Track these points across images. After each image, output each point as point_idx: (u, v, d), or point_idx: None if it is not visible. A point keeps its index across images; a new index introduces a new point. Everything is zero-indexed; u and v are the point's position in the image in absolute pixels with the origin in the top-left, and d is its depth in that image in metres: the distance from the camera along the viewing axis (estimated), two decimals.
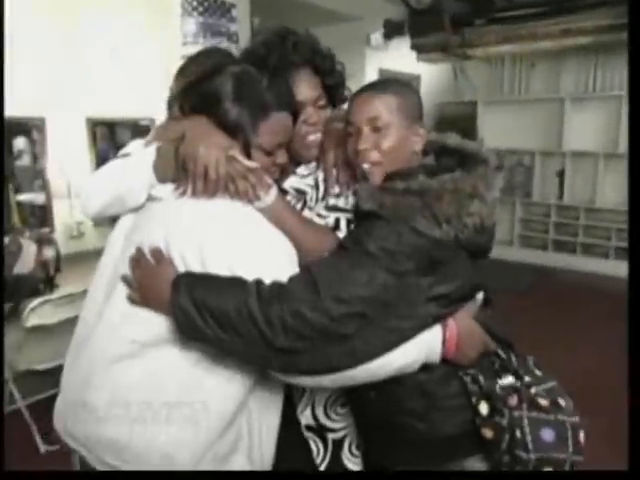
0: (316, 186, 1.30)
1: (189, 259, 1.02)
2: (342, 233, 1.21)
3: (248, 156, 1.11)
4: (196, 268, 1.01)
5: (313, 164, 1.32)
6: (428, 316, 1.08)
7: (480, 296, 1.21)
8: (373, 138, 1.16)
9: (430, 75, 6.42)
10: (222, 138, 1.09)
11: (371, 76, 5.43)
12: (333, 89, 1.33)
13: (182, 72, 1.34)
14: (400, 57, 5.77)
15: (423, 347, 1.09)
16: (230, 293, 0.98)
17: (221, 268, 1.00)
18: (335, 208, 1.25)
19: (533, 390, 1.12)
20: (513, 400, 1.10)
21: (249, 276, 1.00)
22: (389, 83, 1.24)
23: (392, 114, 1.16)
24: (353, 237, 1.10)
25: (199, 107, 1.13)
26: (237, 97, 1.10)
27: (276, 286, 1.00)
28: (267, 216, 1.08)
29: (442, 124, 6.46)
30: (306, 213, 1.26)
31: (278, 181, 1.22)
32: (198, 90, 1.13)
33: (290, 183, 1.30)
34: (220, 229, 1.02)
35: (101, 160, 3.53)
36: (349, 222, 1.23)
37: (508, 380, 1.14)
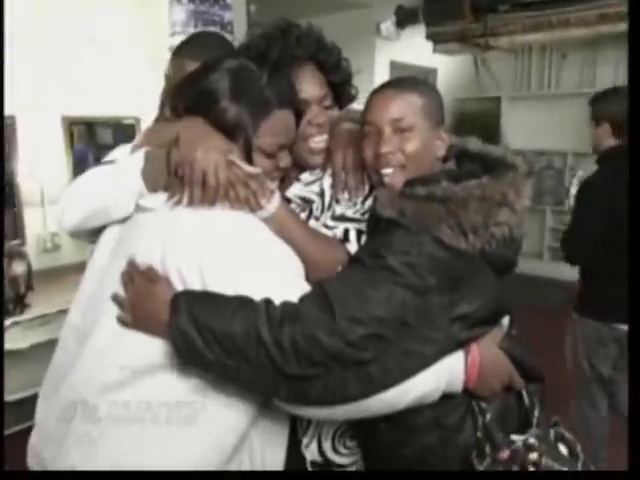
0: (322, 193, 1.32)
1: (188, 276, 1.03)
2: (352, 245, 1.23)
3: (248, 159, 1.12)
4: (196, 286, 1.02)
5: (318, 170, 1.33)
6: (450, 339, 1.09)
7: (506, 321, 1.22)
8: (396, 140, 1.19)
9: (448, 68, 6.47)
10: (221, 141, 1.11)
11: (381, 70, 5.48)
12: (339, 87, 1.35)
13: (175, 66, 1.35)
14: (414, 48, 5.81)
15: (444, 374, 1.09)
16: (236, 314, 0.99)
17: (224, 285, 1.01)
18: (343, 218, 1.26)
19: (534, 456, 1.10)
20: (504, 454, 1.10)
21: (255, 294, 1.01)
22: (413, 81, 1.26)
23: (417, 115, 1.19)
24: (370, 249, 1.11)
25: (193, 107, 1.14)
26: (235, 95, 1.12)
27: (287, 307, 1.01)
28: (270, 226, 1.10)
29: (462, 122, 6.49)
30: (312, 224, 1.27)
31: (280, 189, 1.23)
32: (192, 88, 1.15)
33: (294, 191, 1.32)
34: (221, 242, 1.04)
35: (78, 163, 3.55)
36: (359, 233, 1.24)
37: (521, 438, 1.13)
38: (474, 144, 1.28)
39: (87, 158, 3.64)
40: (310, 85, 1.28)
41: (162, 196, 1.10)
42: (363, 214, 1.26)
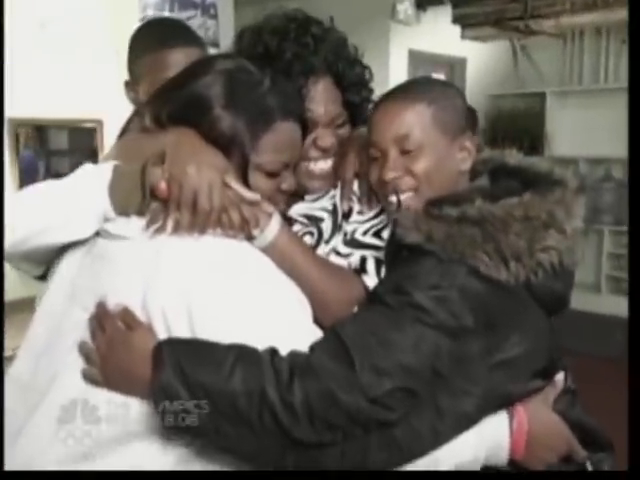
0: (334, 210, 1.34)
1: (174, 321, 1.03)
2: (370, 278, 1.24)
3: (244, 180, 1.15)
4: (184, 333, 1.03)
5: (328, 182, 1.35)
6: (491, 393, 1.10)
7: (561, 376, 1.23)
8: (403, 162, 1.22)
9: (480, 58, 6.52)
10: (216, 157, 1.13)
11: (397, 61, 5.56)
12: (357, 107, 1.38)
13: (153, 61, 1.42)
14: (437, 34, 5.89)
15: (485, 441, 1.10)
16: (234, 368, 0.99)
17: (218, 331, 1.02)
18: (359, 243, 1.29)
19: None
20: None
21: (257, 342, 1.02)
22: (422, 85, 1.29)
23: (426, 130, 1.22)
24: (392, 283, 1.13)
25: (181, 115, 1.16)
26: (230, 102, 1.15)
27: (296, 358, 1.02)
28: (270, 256, 1.12)
29: (497, 125, 6.53)
30: (322, 250, 1.30)
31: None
32: (179, 93, 1.18)
33: (298, 210, 1.34)
34: (215, 279, 1.05)
35: (25, 172, 3.58)
36: (379, 263, 1.26)
37: None
38: (513, 157, 1.32)
39: (36, 167, 3.64)
40: (321, 104, 1.31)
41: (137, 222, 1.10)
42: (380, 236, 1.29)
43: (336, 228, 1.33)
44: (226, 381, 0.99)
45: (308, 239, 1.32)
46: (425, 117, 1.22)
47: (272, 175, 1.18)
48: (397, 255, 1.19)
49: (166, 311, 1.03)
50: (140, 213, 1.10)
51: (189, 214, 1.07)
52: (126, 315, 1.06)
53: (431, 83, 1.33)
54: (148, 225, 1.09)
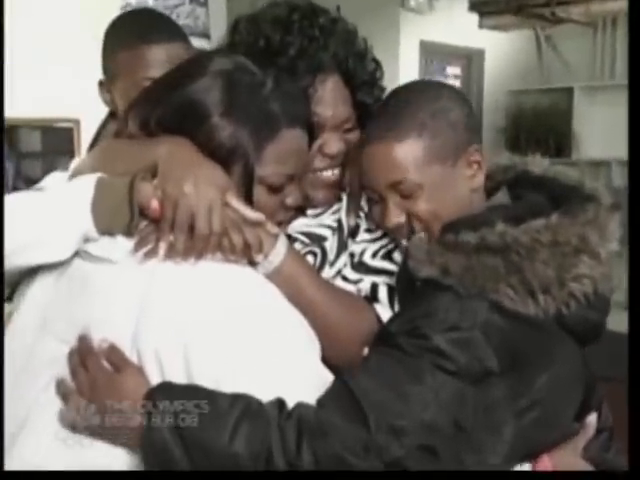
0: (339, 227, 1.34)
1: (168, 362, 1.02)
2: (383, 307, 1.25)
3: (247, 195, 1.14)
4: (179, 377, 1.02)
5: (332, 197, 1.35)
6: (518, 443, 1.10)
7: (593, 419, 1.23)
8: (405, 205, 1.23)
9: (500, 49, 6.51)
10: (217, 172, 1.11)
11: (408, 53, 5.56)
12: (367, 108, 1.36)
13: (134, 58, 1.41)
14: (453, 23, 5.92)
15: None
16: (239, 426, 0.98)
17: (219, 378, 1.01)
18: (369, 269, 1.29)
19: None
20: None
21: (262, 391, 1.01)
22: (405, 110, 1.25)
23: (422, 167, 1.21)
24: (407, 323, 1.12)
25: (173, 123, 1.15)
26: (230, 108, 1.14)
27: (304, 416, 1.01)
28: (275, 283, 1.11)
29: (519, 124, 6.52)
30: (326, 273, 1.29)
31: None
32: (171, 98, 1.16)
33: (297, 227, 1.33)
34: (214, 314, 1.03)
35: None
36: (391, 290, 1.26)
37: None
38: (537, 165, 1.30)
39: (6, 171, 3.63)
40: (329, 106, 1.30)
41: (124, 243, 1.09)
42: (392, 258, 1.29)
43: (342, 248, 1.32)
44: (229, 442, 0.97)
45: (310, 260, 1.31)
46: (417, 152, 1.21)
47: (276, 189, 1.18)
48: (411, 287, 1.19)
49: (159, 351, 1.02)
50: (127, 233, 1.09)
51: (185, 237, 1.05)
52: (113, 354, 1.04)
53: (417, 98, 1.27)
54: (137, 248, 1.07)
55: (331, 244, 1.32)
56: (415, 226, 1.22)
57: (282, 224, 1.22)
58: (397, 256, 1.30)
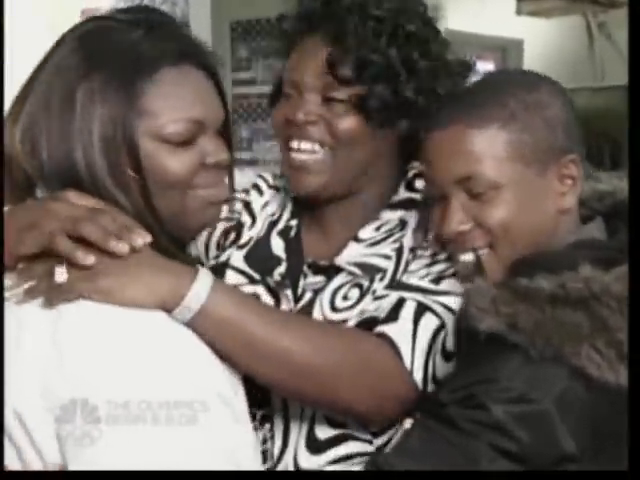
0: (399, 254, 1.31)
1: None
2: (404, 324, 1.20)
3: (135, 165, 1.08)
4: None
5: (394, 220, 1.36)
6: None
7: None
8: (472, 209, 1.18)
9: (542, 40, 6.24)
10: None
11: None
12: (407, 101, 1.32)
13: None
14: (484, 9, 5.66)
15: None
16: None
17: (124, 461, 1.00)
18: (402, 285, 1.25)
19: None
20: None
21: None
22: (488, 94, 1.22)
23: (503, 163, 1.16)
24: (462, 388, 1.07)
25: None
26: (90, 69, 1.09)
27: None
28: (200, 331, 1.05)
29: None
30: (364, 305, 1.26)
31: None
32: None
33: (349, 257, 1.33)
34: (111, 374, 1.01)
35: None
36: (422, 309, 1.21)
37: None
38: (612, 184, 1.28)
39: None
40: (301, 67, 1.36)
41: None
42: (437, 282, 1.25)
43: (398, 273, 1.29)
44: None
45: (354, 293, 1.30)
46: (498, 145, 1.15)
47: (183, 144, 1.12)
48: (467, 339, 1.13)
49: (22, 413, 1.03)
50: (10, 267, 1.09)
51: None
52: None
53: (509, 86, 1.22)
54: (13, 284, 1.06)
55: (389, 272, 1.29)
56: (479, 240, 1.16)
57: (219, 204, 1.17)
58: (444, 283, 1.25)
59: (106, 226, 1.02)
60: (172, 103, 1.12)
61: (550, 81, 1.33)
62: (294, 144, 1.36)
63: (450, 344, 1.24)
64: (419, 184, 1.40)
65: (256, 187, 1.52)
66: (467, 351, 1.16)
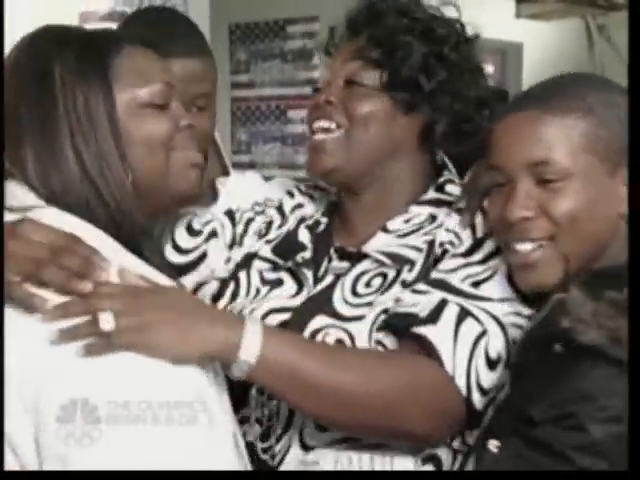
0: (430, 248, 1.30)
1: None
2: (444, 328, 1.18)
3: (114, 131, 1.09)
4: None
5: (418, 211, 1.36)
6: None
7: None
8: (539, 196, 1.14)
9: (542, 43, 6.21)
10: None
11: None
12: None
13: None
14: (484, 11, 5.18)
15: None
16: None
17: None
18: (446, 285, 1.23)
19: None
20: None
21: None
22: (568, 87, 1.21)
23: (576, 153, 1.14)
24: (553, 408, 1.02)
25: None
26: (63, 60, 1.09)
27: None
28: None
29: None
30: (392, 293, 1.27)
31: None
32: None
33: (377, 246, 1.33)
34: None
35: None
36: (464, 314, 1.19)
37: None
38: None
39: None
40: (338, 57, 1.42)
41: None
42: (479, 287, 1.23)
43: (429, 267, 1.29)
44: None
45: (377, 281, 1.31)
46: (575, 134, 1.12)
47: (161, 107, 1.14)
48: (546, 349, 1.07)
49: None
50: None
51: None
52: None
53: (586, 83, 1.22)
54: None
55: (418, 265, 1.30)
56: (540, 229, 1.12)
57: (199, 166, 1.17)
58: (486, 287, 1.23)
59: (68, 267, 1.01)
60: (145, 70, 1.14)
61: (622, 87, 1.30)
62: (315, 125, 1.40)
63: (494, 352, 1.21)
64: (450, 188, 1.39)
65: (289, 193, 1.54)
66: (545, 364, 1.11)
